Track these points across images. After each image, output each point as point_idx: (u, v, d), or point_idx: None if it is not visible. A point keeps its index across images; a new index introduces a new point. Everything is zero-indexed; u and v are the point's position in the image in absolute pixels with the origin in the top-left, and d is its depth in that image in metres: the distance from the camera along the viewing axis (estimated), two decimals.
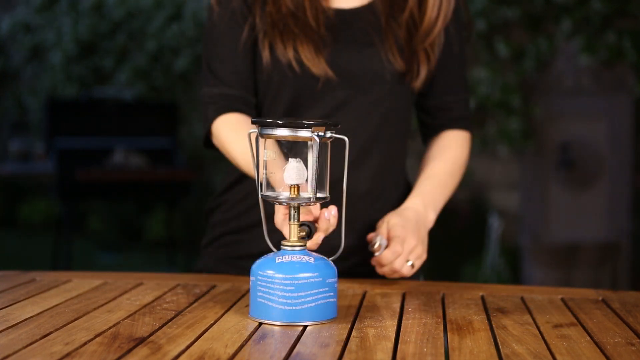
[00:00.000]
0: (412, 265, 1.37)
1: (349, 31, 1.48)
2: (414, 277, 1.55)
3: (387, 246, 1.36)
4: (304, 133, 1.13)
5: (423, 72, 1.50)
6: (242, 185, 1.53)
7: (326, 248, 1.26)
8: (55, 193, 5.55)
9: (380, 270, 1.38)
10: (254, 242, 1.49)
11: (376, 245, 1.35)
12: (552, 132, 4.66)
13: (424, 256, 1.40)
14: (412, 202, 1.46)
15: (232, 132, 1.45)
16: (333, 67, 1.45)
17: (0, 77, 7.65)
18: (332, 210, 1.22)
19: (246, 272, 1.48)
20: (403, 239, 1.36)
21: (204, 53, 1.52)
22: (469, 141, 1.60)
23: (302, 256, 1.14)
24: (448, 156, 1.55)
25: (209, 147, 1.52)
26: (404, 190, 1.56)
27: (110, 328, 1.09)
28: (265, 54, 1.46)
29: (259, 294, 1.14)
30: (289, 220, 1.17)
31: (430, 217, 1.45)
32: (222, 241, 1.56)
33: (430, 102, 1.58)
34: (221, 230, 1.57)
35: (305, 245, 1.17)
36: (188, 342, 1.02)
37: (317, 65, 1.44)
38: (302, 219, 1.20)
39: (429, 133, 1.61)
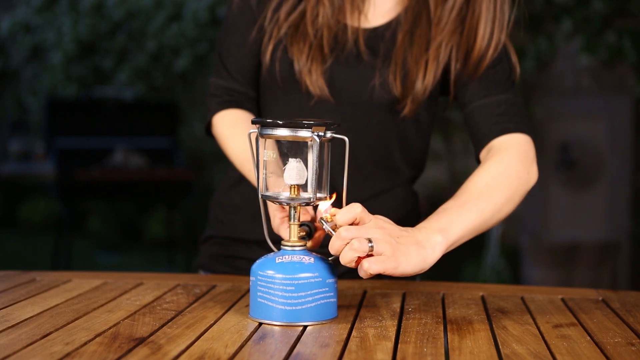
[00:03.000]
0: (371, 251, 1.09)
1: (357, 51, 1.42)
2: (411, 276, 1.54)
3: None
4: (304, 133, 1.13)
5: (417, 99, 1.41)
6: (242, 187, 1.52)
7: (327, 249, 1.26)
8: (55, 193, 5.55)
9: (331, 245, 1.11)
10: (248, 254, 1.50)
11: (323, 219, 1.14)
12: (552, 132, 4.66)
13: (389, 266, 1.09)
14: (420, 224, 1.21)
15: (230, 129, 1.46)
16: (330, 88, 1.41)
17: (0, 77, 7.65)
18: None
19: (240, 271, 1.49)
20: (369, 226, 1.12)
21: (218, 41, 1.52)
22: (525, 147, 1.35)
23: (302, 256, 1.14)
24: (485, 170, 1.31)
25: (210, 135, 1.53)
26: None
27: (110, 328, 1.09)
28: (266, 59, 1.44)
29: (259, 294, 1.14)
30: (289, 220, 1.17)
31: (436, 239, 1.17)
32: (216, 240, 1.57)
33: (471, 108, 1.41)
34: (216, 231, 1.57)
35: (305, 245, 1.17)
36: (188, 342, 1.02)
37: (315, 84, 1.40)
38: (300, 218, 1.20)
39: (477, 147, 1.40)
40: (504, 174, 1.30)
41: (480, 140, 1.39)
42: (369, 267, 1.09)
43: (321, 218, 1.15)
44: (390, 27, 1.44)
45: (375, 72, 1.42)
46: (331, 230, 1.13)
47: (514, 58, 1.44)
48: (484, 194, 1.27)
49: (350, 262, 1.09)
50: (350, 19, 1.44)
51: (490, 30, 1.39)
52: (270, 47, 1.43)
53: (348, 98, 1.43)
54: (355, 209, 1.11)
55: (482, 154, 1.39)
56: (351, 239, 1.09)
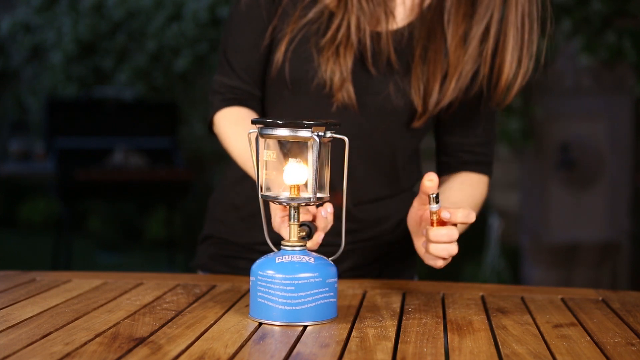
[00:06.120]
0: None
1: (381, 59, 1.40)
2: (409, 276, 1.54)
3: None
4: (304, 133, 1.13)
5: (429, 112, 1.41)
6: (242, 187, 1.52)
7: (326, 249, 1.26)
8: (55, 193, 5.55)
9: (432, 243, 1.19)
10: (247, 254, 1.50)
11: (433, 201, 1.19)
12: (552, 132, 4.66)
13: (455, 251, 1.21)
14: None
15: (232, 127, 1.45)
16: (357, 95, 1.40)
17: (0, 77, 7.65)
18: (328, 207, 1.21)
19: (240, 271, 1.49)
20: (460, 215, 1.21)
21: (223, 38, 1.50)
22: (487, 186, 1.50)
23: (302, 256, 1.14)
24: (467, 192, 1.44)
25: (212, 133, 1.52)
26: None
27: (110, 328, 1.09)
28: (277, 59, 1.41)
29: (259, 294, 1.14)
30: (289, 220, 1.17)
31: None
32: (215, 240, 1.56)
33: (451, 140, 1.49)
34: (215, 230, 1.56)
35: (305, 245, 1.17)
36: (188, 342, 1.02)
37: (347, 93, 1.38)
38: (300, 218, 1.19)
39: (445, 171, 1.51)
40: (479, 207, 1.46)
41: (459, 166, 1.50)
42: (441, 266, 1.22)
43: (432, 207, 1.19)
44: (403, 37, 1.42)
45: (390, 82, 1.40)
46: (434, 221, 1.19)
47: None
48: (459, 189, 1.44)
49: (447, 257, 1.20)
50: (381, 25, 1.41)
51: (518, 58, 1.39)
52: (282, 48, 1.41)
53: (367, 106, 1.41)
54: (472, 218, 1.20)
55: (451, 174, 1.50)
56: (453, 242, 1.19)
